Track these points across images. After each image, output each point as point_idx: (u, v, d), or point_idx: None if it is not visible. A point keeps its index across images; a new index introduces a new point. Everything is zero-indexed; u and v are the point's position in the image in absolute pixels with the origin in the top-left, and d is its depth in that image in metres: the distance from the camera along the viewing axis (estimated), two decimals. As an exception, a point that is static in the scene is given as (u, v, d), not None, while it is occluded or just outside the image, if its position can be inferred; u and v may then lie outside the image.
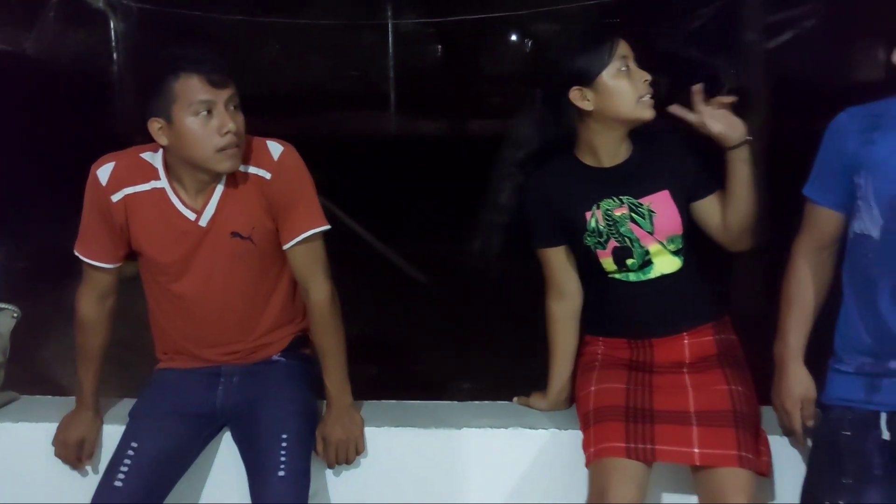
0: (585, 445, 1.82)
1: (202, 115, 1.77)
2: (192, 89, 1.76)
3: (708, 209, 1.92)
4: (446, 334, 4.93)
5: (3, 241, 5.13)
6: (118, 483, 1.79)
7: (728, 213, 1.88)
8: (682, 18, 5.87)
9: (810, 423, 1.73)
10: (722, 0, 5.41)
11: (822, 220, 1.68)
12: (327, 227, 1.92)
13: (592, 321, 2.01)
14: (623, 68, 1.83)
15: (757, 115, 4.65)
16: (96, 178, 1.88)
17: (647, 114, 1.85)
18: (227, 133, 1.77)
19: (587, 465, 1.80)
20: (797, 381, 1.70)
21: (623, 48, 1.85)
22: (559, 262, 1.98)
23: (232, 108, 1.80)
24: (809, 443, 1.81)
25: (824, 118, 1.71)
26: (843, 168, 1.61)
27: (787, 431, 1.76)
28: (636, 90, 1.83)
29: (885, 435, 1.60)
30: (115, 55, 7.43)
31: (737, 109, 1.83)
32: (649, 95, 1.85)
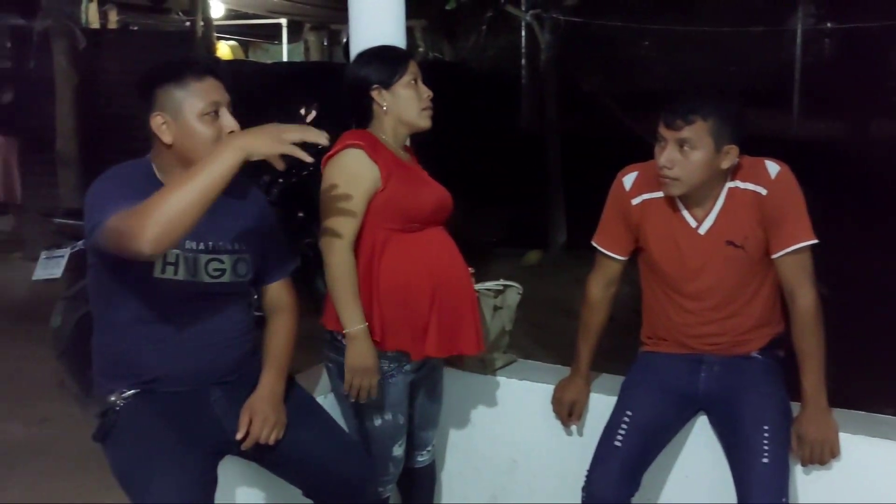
0: None
1: None
2: None
3: None
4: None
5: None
6: (617, 443, 2.07)
7: None
8: None
9: None
10: None
11: None
12: (815, 241, 2.02)
13: None
14: None
15: None
16: (621, 184, 2.18)
17: None
18: None
19: None
20: None
21: None
22: None
23: None
24: None
25: None
26: None
27: None
28: None
29: None
30: (531, 61, 8.10)
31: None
32: None
